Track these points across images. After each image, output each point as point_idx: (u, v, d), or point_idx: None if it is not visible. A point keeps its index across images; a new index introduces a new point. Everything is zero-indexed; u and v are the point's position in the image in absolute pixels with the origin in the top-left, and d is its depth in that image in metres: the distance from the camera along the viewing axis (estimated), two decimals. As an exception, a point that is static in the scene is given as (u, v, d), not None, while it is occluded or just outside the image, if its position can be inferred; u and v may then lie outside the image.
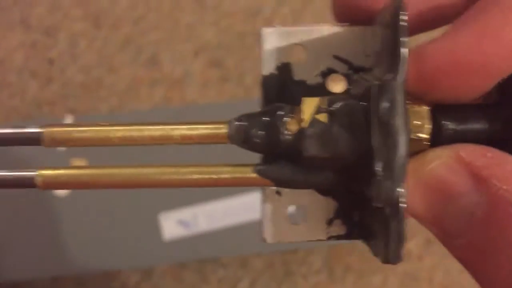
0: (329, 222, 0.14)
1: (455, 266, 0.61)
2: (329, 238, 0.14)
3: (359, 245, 0.56)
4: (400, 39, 0.11)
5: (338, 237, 0.15)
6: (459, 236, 0.12)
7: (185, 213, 0.53)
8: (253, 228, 0.54)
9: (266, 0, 0.58)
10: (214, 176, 0.13)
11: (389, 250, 0.12)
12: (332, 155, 0.12)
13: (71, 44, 0.57)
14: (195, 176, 0.13)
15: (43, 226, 0.52)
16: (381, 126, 0.11)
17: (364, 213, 0.14)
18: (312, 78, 0.14)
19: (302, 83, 0.14)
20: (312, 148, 0.12)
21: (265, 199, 0.14)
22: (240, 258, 0.55)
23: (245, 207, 0.54)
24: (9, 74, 0.56)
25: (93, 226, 0.52)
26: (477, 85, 0.12)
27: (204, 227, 0.53)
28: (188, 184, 0.14)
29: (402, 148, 0.11)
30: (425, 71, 0.12)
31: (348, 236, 0.15)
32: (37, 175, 0.13)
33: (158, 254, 0.53)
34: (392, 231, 0.12)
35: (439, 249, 0.57)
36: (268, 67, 0.14)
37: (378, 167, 0.11)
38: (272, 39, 0.14)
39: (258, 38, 0.14)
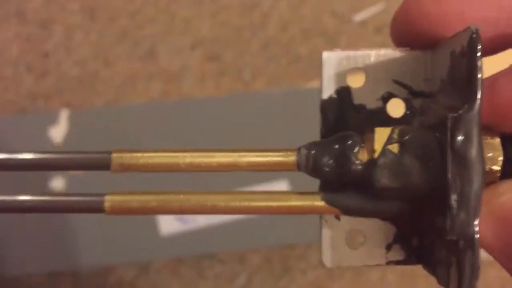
0: (388, 247, 0.14)
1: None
2: (388, 263, 0.14)
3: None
4: (478, 71, 0.11)
5: (397, 262, 0.14)
6: None
7: (182, 208, 0.53)
8: (250, 224, 0.54)
9: (264, -6, 0.58)
10: (284, 204, 0.13)
11: (462, 284, 0.11)
12: (404, 186, 0.12)
13: (67, 37, 0.56)
14: (265, 204, 0.13)
15: (40, 222, 0.52)
16: (456, 159, 0.11)
17: (425, 239, 0.14)
18: (372, 103, 0.14)
19: (361, 107, 0.14)
20: (384, 179, 0.12)
21: (324, 224, 0.14)
22: (238, 253, 0.55)
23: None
24: (4, 67, 0.56)
25: (90, 221, 0.52)
26: None
27: (201, 223, 0.53)
28: (259, 211, 0.14)
29: (477, 181, 0.11)
30: (499, 103, 0.12)
31: (407, 261, 0.14)
32: (105, 200, 0.14)
33: (155, 249, 0.53)
34: (466, 265, 0.11)
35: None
36: (328, 91, 0.14)
37: (454, 200, 0.11)
38: (332, 63, 0.14)
39: (320, 63, 0.14)
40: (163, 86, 0.56)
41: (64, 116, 0.51)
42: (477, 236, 0.11)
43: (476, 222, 0.11)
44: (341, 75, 0.14)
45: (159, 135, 0.53)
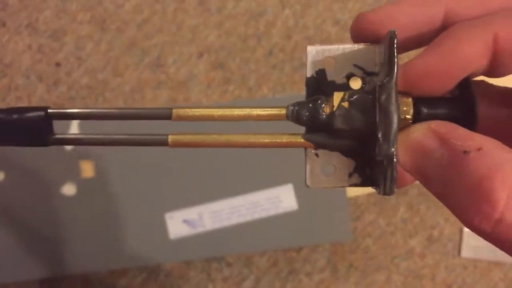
0: (350, 175, 0.20)
1: (457, 263, 0.61)
2: (350, 185, 0.20)
3: (362, 244, 0.57)
4: (394, 57, 0.17)
5: (356, 185, 0.20)
6: (434, 179, 0.17)
7: (191, 212, 0.54)
8: (257, 227, 0.54)
9: (269, 3, 0.59)
10: (277, 140, 0.20)
11: (386, 186, 0.18)
12: (351, 128, 0.19)
13: (77, 47, 0.58)
14: (263, 140, 0.20)
15: (50, 225, 0.53)
16: (381, 110, 0.18)
17: (372, 169, 0.20)
18: (339, 79, 0.20)
19: (332, 82, 0.20)
20: (338, 123, 0.19)
21: (307, 159, 0.20)
22: (245, 257, 0.56)
23: (249, 206, 0.54)
24: (17, 77, 0.57)
25: (100, 225, 0.53)
26: (442, 85, 0.18)
27: (209, 226, 0.54)
28: (259, 145, 0.20)
29: (394, 124, 0.17)
30: (409, 77, 0.18)
31: (362, 184, 0.20)
32: (168, 136, 0.20)
33: (164, 253, 0.54)
34: (388, 175, 0.18)
35: (441, 247, 0.58)
36: (310, 72, 0.20)
37: (380, 135, 0.18)
38: (313, 53, 0.20)
39: (305, 53, 0.20)
40: (170, 94, 0.57)
41: (75, 124, 0.53)
42: (394, 158, 0.17)
43: (392, 149, 0.17)
44: (319, 61, 0.20)
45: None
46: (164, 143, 0.20)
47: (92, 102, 0.57)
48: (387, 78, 0.18)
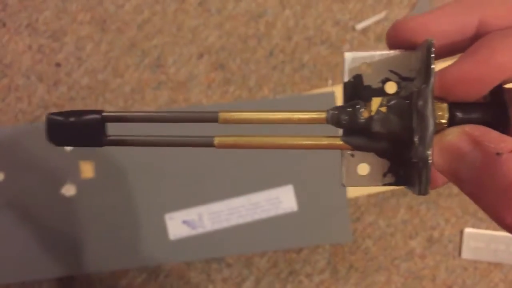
0: (384, 175, 0.21)
1: (458, 264, 0.61)
2: (384, 184, 0.21)
3: (362, 245, 0.57)
4: (431, 64, 0.18)
5: (390, 184, 0.21)
6: (468, 180, 0.18)
7: (191, 213, 0.54)
8: (257, 228, 0.54)
9: (269, 4, 0.59)
10: (318, 142, 0.21)
11: (421, 187, 0.18)
12: (388, 131, 0.20)
13: (78, 47, 0.58)
14: (305, 142, 0.21)
15: (50, 226, 0.53)
16: (418, 115, 0.19)
17: (406, 170, 0.21)
18: (375, 84, 0.21)
19: (368, 87, 0.21)
20: (376, 127, 0.20)
21: (343, 160, 0.21)
22: (245, 257, 0.56)
23: (249, 207, 0.54)
24: (17, 78, 0.57)
25: (100, 226, 0.53)
26: (475, 91, 0.19)
27: (209, 227, 0.54)
28: (301, 147, 0.21)
29: (430, 128, 0.18)
30: (445, 83, 0.19)
31: (396, 184, 0.21)
32: (215, 138, 0.21)
33: (164, 254, 0.54)
34: (423, 176, 0.18)
35: (442, 248, 0.58)
36: (347, 77, 0.21)
37: (416, 139, 0.18)
38: (350, 60, 0.21)
39: (342, 60, 0.22)
40: (170, 94, 0.57)
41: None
42: (430, 160, 0.18)
43: (428, 152, 0.18)
44: (355, 67, 0.21)
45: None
46: (210, 144, 0.21)
47: (92, 102, 0.57)
48: (424, 85, 0.18)
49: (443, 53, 0.20)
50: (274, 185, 0.54)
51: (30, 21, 0.58)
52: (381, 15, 0.58)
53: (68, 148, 0.53)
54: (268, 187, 0.54)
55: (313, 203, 0.54)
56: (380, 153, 0.21)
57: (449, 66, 0.19)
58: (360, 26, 0.58)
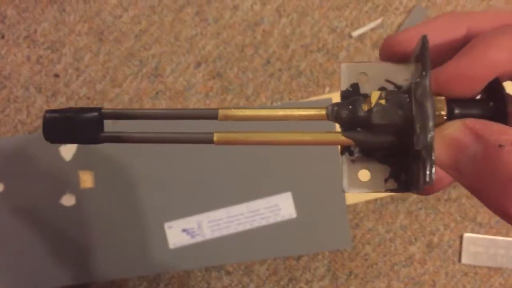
0: (385, 181, 0.21)
1: (458, 269, 0.61)
2: (386, 190, 0.21)
3: (361, 251, 0.57)
4: (427, 57, 0.19)
5: (392, 190, 0.21)
6: (469, 173, 0.18)
7: (190, 221, 0.54)
8: (256, 235, 0.54)
9: (265, 12, 0.59)
10: (319, 138, 0.21)
11: (425, 175, 0.18)
12: (389, 123, 0.20)
13: (76, 58, 0.58)
14: (306, 138, 0.21)
15: (49, 236, 0.53)
16: (417, 104, 0.19)
17: (407, 174, 0.21)
18: (371, 92, 0.21)
19: (365, 95, 0.21)
20: (377, 119, 0.20)
21: (344, 166, 0.21)
22: (244, 265, 0.56)
23: (248, 215, 0.54)
24: (16, 89, 0.58)
25: (99, 236, 0.53)
26: (471, 87, 0.19)
27: (208, 235, 0.54)
28: (302, 143, 0.21)
29: (430, 115, 0.18)
30: (441, 79, 0.19)
31: (397, 189, 0.21)
32: (214, 134, 0.21)
33: (164, 262, 0.54)
34: (427, 163, 0.18)
35: (441, 254, 0.58)
36: (344, 85, 0.22)
37: (417, 127, 0.18)
38: (346, 70, 0.22)
39: (339, 70, 0.22)
40: (169, 103, 0.57)
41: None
42: (432, 145, 0.18)
43: (430, 136, 0.18)
44: (352, 76, 0.22)
45: (166, 148, 0.54)
46: (209, 141, 0.21)
47: (91, 112, 0.57)
48: (421, 76, 0.19)
49: (434, 63, 0.21)
50: (273, 193, 0.54)
51: (29, 33, 0.58)
52: (377, 22, 0.59)
53: (68, 158, 0.53)
54: (266, 195, 0.54)
55: (312, 210, 0.54)
56: (380, 157, 0.21)
57: (445, 64, 0.19)
58: (356, 33, 0.58)
